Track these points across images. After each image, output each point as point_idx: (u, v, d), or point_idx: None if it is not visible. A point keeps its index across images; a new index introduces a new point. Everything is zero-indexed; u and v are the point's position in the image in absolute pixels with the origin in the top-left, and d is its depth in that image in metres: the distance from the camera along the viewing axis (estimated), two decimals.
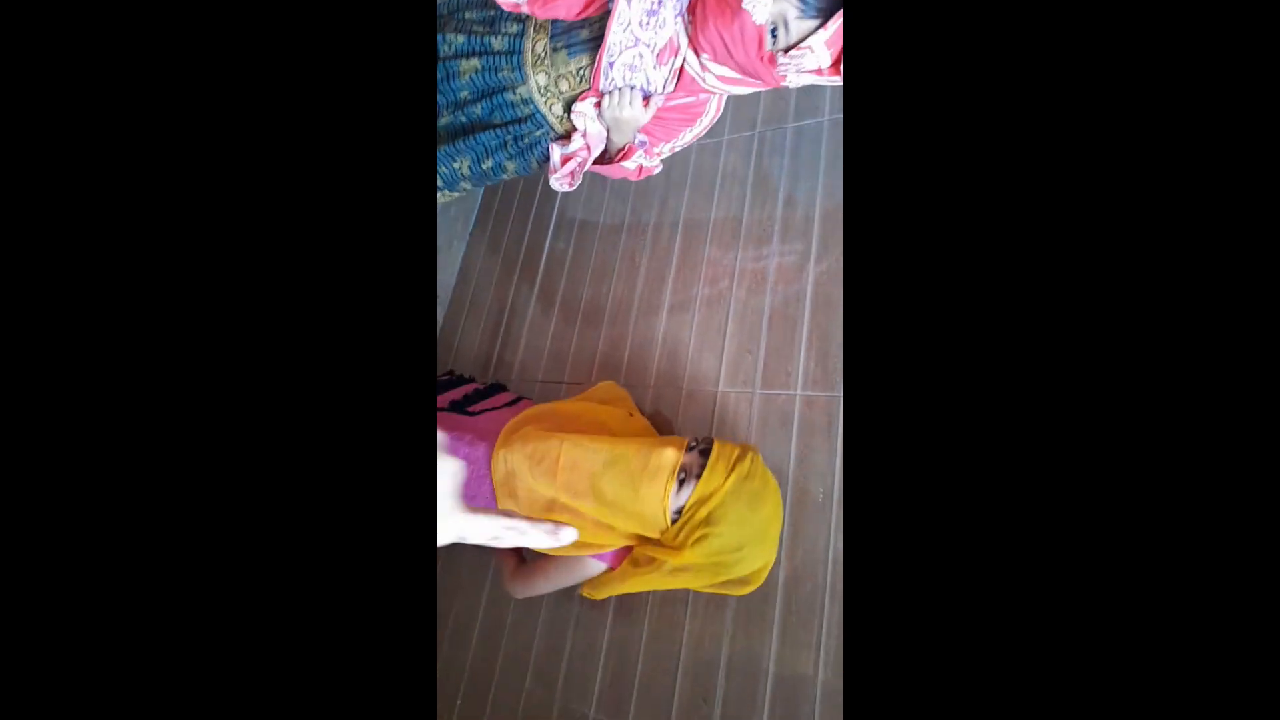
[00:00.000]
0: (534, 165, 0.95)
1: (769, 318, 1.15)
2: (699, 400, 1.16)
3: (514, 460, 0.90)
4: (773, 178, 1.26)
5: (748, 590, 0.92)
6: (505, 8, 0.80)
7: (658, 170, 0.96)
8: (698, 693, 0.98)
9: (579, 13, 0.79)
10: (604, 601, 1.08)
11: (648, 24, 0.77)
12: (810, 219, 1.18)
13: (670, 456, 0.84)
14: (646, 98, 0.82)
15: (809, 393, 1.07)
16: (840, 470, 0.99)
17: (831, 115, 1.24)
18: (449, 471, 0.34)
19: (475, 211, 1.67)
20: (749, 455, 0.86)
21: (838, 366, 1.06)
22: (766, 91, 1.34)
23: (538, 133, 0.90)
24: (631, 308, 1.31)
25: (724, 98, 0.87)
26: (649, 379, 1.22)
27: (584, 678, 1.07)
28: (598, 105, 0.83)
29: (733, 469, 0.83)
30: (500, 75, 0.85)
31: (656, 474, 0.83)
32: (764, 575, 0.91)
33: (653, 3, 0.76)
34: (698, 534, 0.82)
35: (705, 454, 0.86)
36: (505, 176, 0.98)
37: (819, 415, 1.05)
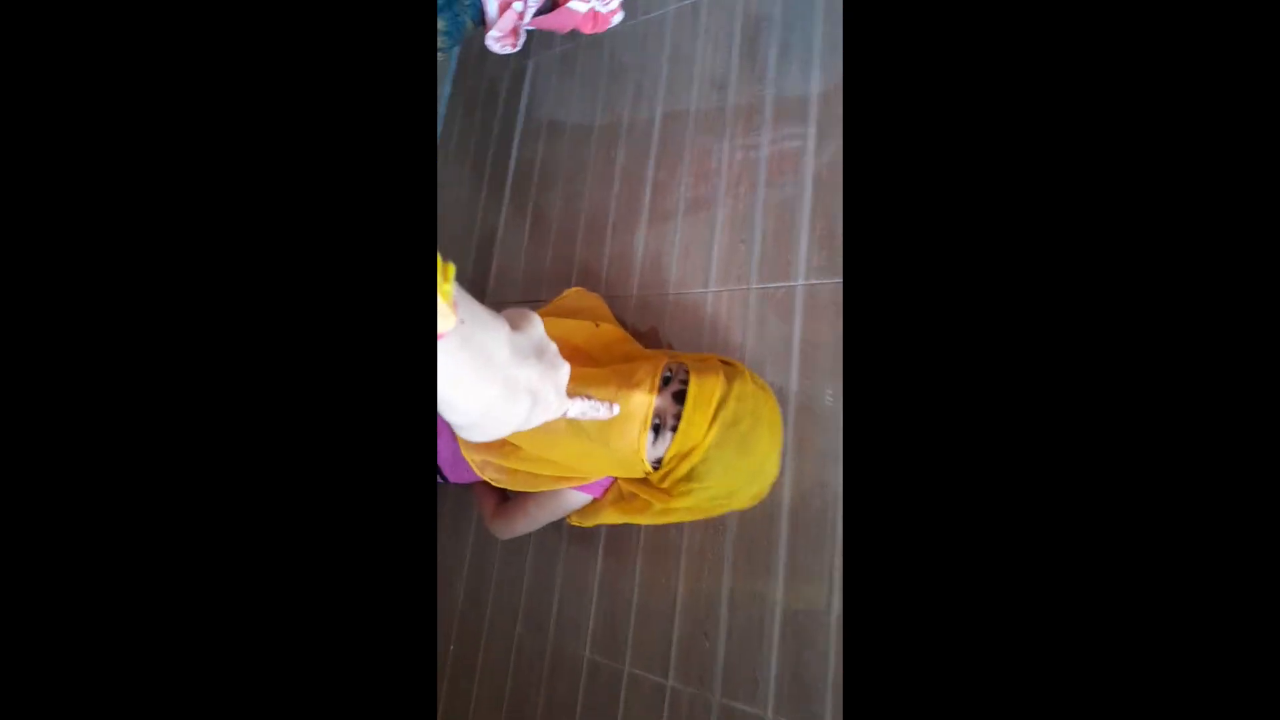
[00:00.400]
0: (468, 25, 0.83)
1: (763, 205, 0.97)
2: (687, 306, 1.00)
3: None
4: (761, 48, 1.04)
5: (750, 505, 0.80)
6: None
7: (617, 19, 0.80)
8: (698, 628, 0.86)
9: None
10: (592, 535, 0.96)
11: None
12: (807, 99, 0.97)
13: (639, 404, 0.69)
14: None
15: (814, 281, 0.90)
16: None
17: None
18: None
19: (439, 122, 1.50)
20: (733, 392, 0.71)
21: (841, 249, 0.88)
22: None
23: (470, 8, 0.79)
24: (609, 213, 1.14)
25: None
26: (631, 288, 1.06)
27: (576, 618, 0.97)
28: None
29: (714, 418, 0.69)
30: None
31: (626, 424, 0.69)
32: (766, 492, 0.79)
33: None
34: (682, 488, 0.72)
35: (681, 397, 0.71)
36: (439, 49, 0.82)
37: (825, 305, 0.88)
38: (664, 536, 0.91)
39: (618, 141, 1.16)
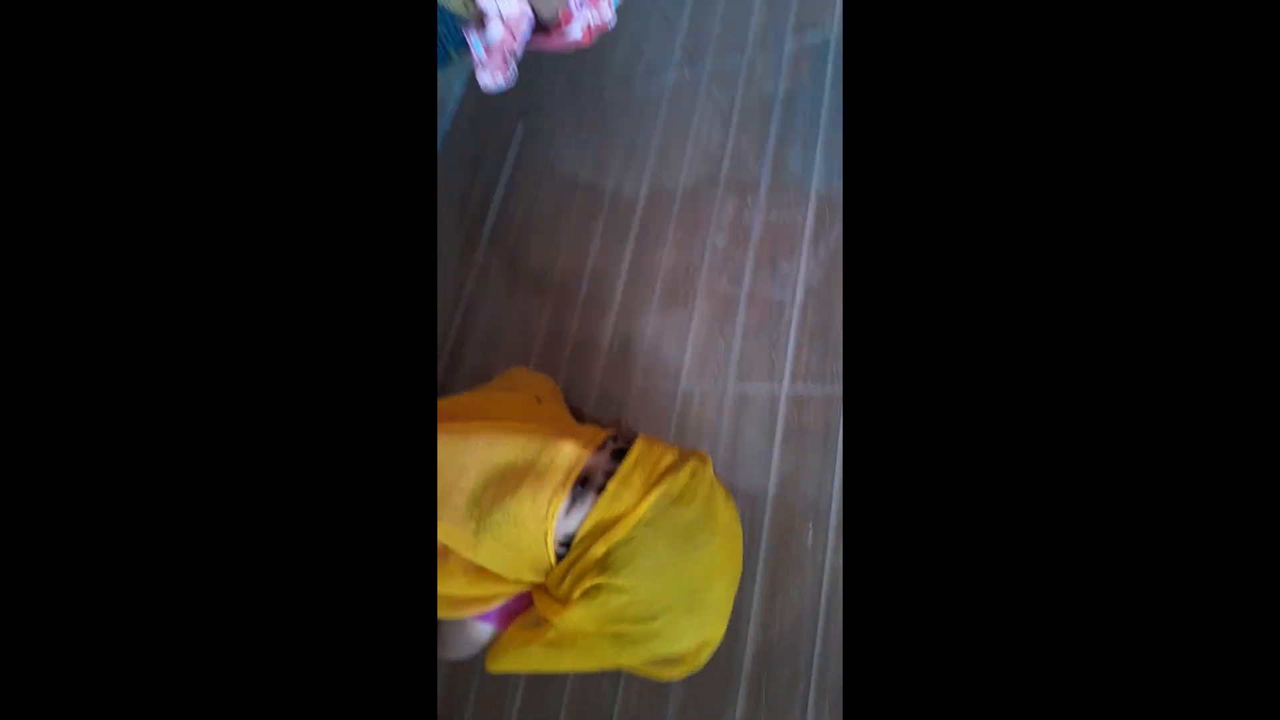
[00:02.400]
0: (451, 54, 0.76)
1: (747, 297, 0.85)
2: (654, 401, 0.87)
3: None
4: (756, 137, 0.96)
5: (678, 674, 0.59)
6: None
7: (612, 23, 0.77)
8: None
9: None
10: (507, 686, 0.78)
11: None
12: (806, 190, 0.88)
13: (567, 455, 0.55)
14: None
15: (799, 389, 0.77)
16: (840, 498, 0.68)
17: (840, 27, 0.94)
18: None
19: None
20: (688, 466, 0.55)
21: (839, 354, 0.75)
22: (758, 9, 1.06)
23: (441, 28, 0.71)
24: (581, 281, 1.03)
25: None
26: (594, 373, 0.94)
27: None
28: None
29: (655, 483, 0.52)
30: None
31: (542, 479, 0.54)
32: (704, 655, 0.58)
33: None
34: (588, 582, 0.52)
35: (621, 456, 0.55)
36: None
37: (812, 418, 0.74)
38: (595, 683, 0.73)
39: (600, 213, 1.07)
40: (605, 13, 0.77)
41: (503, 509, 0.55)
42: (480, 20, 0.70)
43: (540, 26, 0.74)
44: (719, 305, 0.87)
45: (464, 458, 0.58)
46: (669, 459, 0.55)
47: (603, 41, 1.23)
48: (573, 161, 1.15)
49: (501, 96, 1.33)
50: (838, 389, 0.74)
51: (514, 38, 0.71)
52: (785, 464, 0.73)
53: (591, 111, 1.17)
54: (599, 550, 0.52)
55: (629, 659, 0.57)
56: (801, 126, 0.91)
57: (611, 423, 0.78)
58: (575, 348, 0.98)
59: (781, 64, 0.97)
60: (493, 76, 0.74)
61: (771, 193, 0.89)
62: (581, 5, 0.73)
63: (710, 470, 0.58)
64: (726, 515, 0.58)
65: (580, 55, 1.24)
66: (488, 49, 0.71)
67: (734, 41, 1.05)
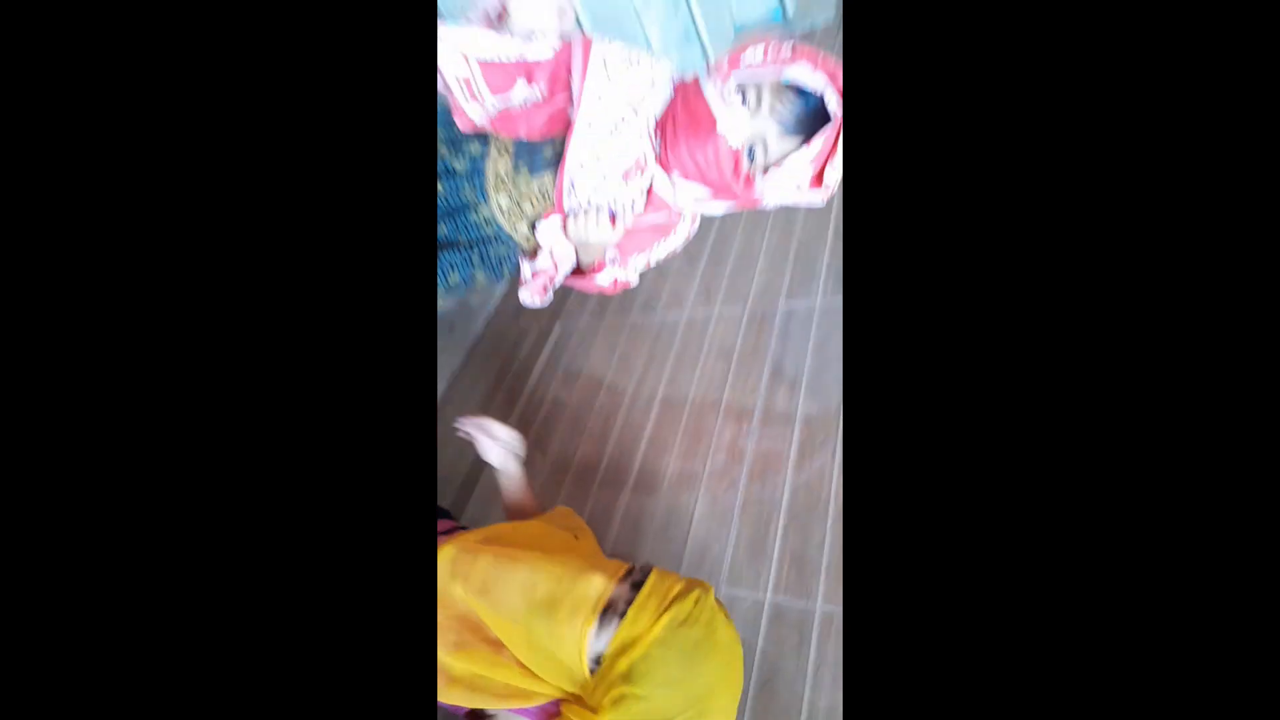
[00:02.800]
0: (505, 275, 0.92)
1: (741, 507, 1.03)
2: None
3: (442, 573, 0.77)
4: (760, 358, 1.22)
5: None
6: (463, 129, 0.78)
7: (633, 283, 0.91)
8: None
9: (541, 132, 0.77)
10: None
11: (611, 140, 0.73)
12: (792, 414, 1.11)
13: (597, 585, 0.66)
14: (613, 217, 0.77)
15: (780, 599, 0.91)
16: (809, 703, 0.80)
17: (823, 299, 1.23)
18: None
19: (466, 351, 1.66)
20: (693, 594, 0.66)
21: (815, 573, 0.91)
22: (762, 269, 1.36)
23: (502, 247, 0.87)
24: (597, 472, 1.20)
25: (695, 218, 0.84)
26: (605, 544, 1.08)
27: None
28: (564, 225, 0.79)
29: (666, 608, 0.63)
30: (463, 195, 0.83)
31: (577, 607, 0.65)
32: None
33: (615, 122, 0.72)
34: (615, 692, 0.62)
35: (638, 587, 0.67)
36: (477, 287, 0.94)
37: (788, 629, 0.88)
38: None
39: (618, 411, 1.28)
40: (631, 275, 0.91)
41: (547, 625, 0.67)
42: (534, 251, 0.85)
43: (577, 269, 0.88)
44: (717, 511, 1.04)
45: (519, 574, 0.72)
46: (678, 588, 0.67)
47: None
48: (600, 363, 1.39)
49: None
50: (813, 604, 0.89)
51: (556, 271, 0.85)
52: (765, 667, 0.86)
53: (620, 326, 1.43)
54: (623, 665, 0.63)
55: None
56: (790, 372, 1.15)
57: (631, 559, 0.90)
58: (590, 519, 1.13)
59: (775, 320, 1.25)
60: (532, 297, 0.88)
61: (762, 425, 1.11)
62: (614, 261, 0.86)
63: (711, 597, 0.70)
64: (726, 635, 0.69)
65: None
66: (534, 274, 0.85)
67: (739, 294, 1.34)
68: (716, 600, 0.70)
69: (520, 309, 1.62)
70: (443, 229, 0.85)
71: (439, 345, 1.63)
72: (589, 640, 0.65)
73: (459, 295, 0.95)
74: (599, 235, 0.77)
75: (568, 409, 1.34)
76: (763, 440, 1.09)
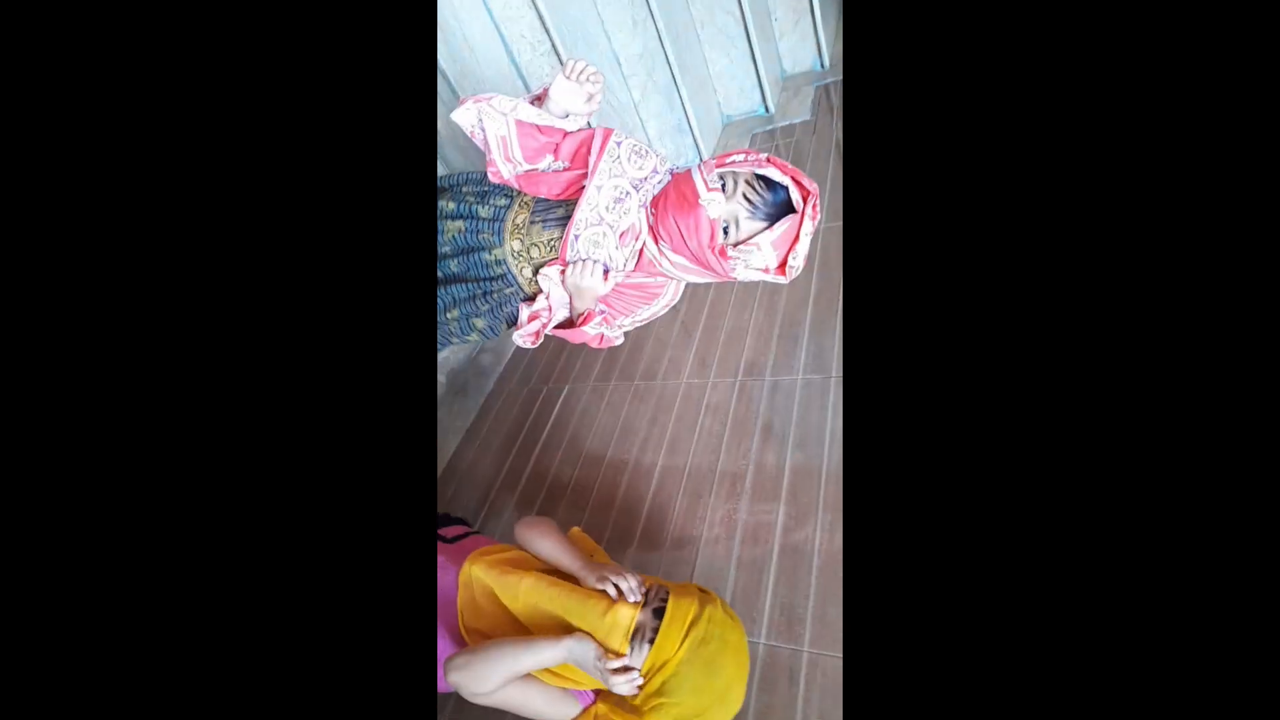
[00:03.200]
0: (501, 326, 1.03)
1: (736, 562, 1.18)
2: None
3: (487, 577, 0.91)
4: (747, 433, 1.38)
5: None
6: (495, 181, 0.94)
7: (619, 342, 1.03)
8: None
9: (560, 194, 0.94)
10: None
11: (614, 208, 0.87)
12: (780, 478, 1.26)
13: (625, 617, 0.80)
14: (606, 272, 0.90)
15: (773, 643, 1.05)
16: None
17: (804, 375, 1.41)
18: None
19: (478, 410, 1.79)
20: (705, 613, 0.80)
21: (803, 618, 1.06)
22: (750, 344, 1.54)
23: (508, 290, 0.98)
24: (605, 529, 1.34)
25: (682, 283, 0.96)
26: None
27: None
28: (563, 273, 0.92)
29: (687, 634, 0.77)
30: (480, 237, 0.97)
31: (610, 635, 0.80)
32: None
33: (620, 192, 0.88)
34: (653, 703, 0.77)
35: (660, 613, 0.81)
36: (471, 337, 1.04)
37: (780, 669, 1.02)
38: None
39: (624, 471, 1.42)
40: (617, 335, 1.02)
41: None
42: (534, 296, 0.96)
43: (568, 321, 0.98)
44: (714, 566, 1.18)
45: (558, 601, 0.86)
46: (693, 612, 0.80)
47: (637, 341, 1.71)
48: (606, 425, 1.54)
49: (555, 362, 1.76)
50: (803, 647, 1.03)
51: (550, 315, 0.96)
52: (760, 705, 0.99)
53: (624, 390, 1.59)
54: (657, 682, 0.77)
55: None
56: (775, 441, 1.32)
57: (650, 583, 0.94)
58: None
59: (762, 393, 1.42)
60: (523, 340, 0.99)
61: (752, 490, 1.27)
62: (602, 315, 0.98)
63: (719, 609, 0.83)
64: (735, 636, 0.82)
65: (618, 349, 1.70)
66: (531, 317, 0.97)
67: (730, 366, 1.52)
68: (724, 607, 0.84)
69: (529, 372, 1.77)
70: (454, 264, 0.99)
71: (451, 408, 1.76)
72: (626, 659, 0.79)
73: (453, 340, 1.04)
74: (591, 284, 0.90)
75: (576, 468, 1.48)
76: (753, 512, 1.24)
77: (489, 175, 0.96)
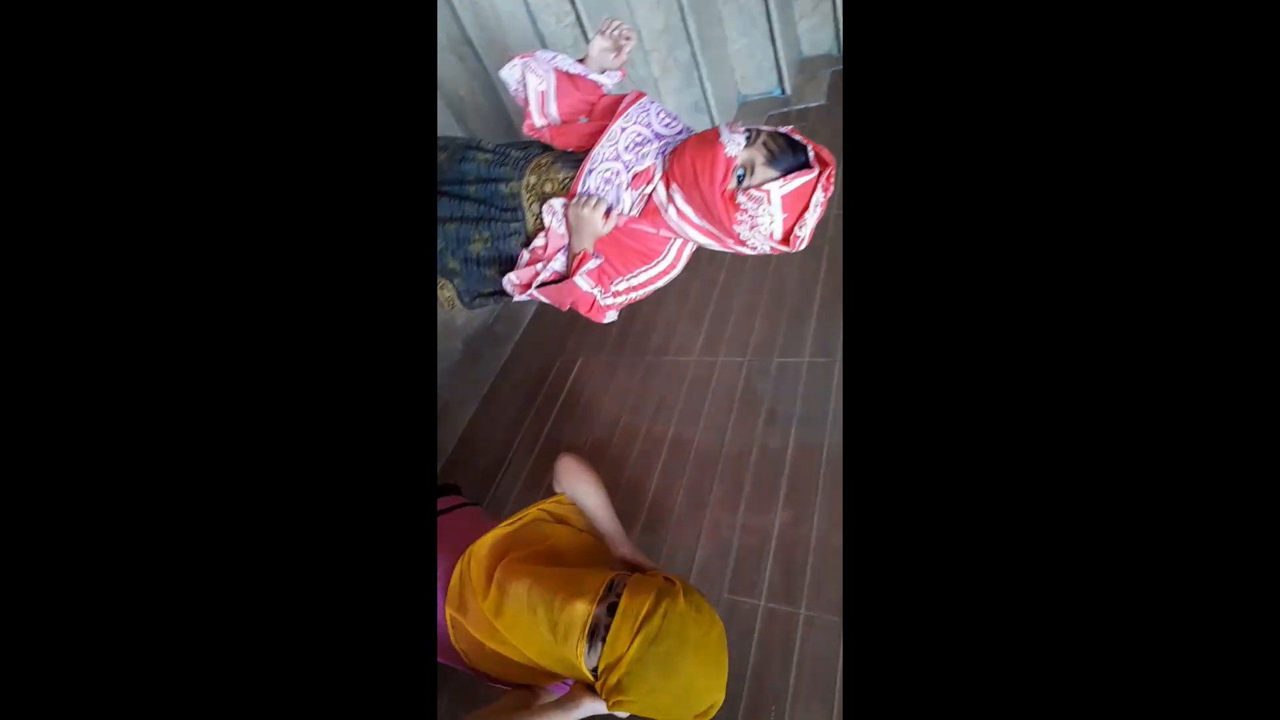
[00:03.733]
0: (490, 270, 1.05)
1: (740, 530, 1.26)
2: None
3: (477, 576, 0.88)
4: (753, 410, 1.45)
5: None
6: (528, 134, 0.99)
7: (610, 317, 1.00)
8: None
9: (587, 145, 0.96)
10: None
11: (633, 149, 0.90)
12: (783, 458, 1.34)
13: (579, 614, 0.76)
14: (609, 211, 0.90)
15: (772, 605, 1.14)
16: (794, 695, 1.03)
17: (810, 359, 1.48)
18: None
19: (493, 378, 1.85)
20: (661, 608, 0.74)
21: (802, 584, 1.15)
22: (759, 326, 1.60)
23: (513, 225, 1.00)
24: (617, 489, 1.41)
25: (684, 250, 0.95)
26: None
27: None
28: (567, 206, 0.92)
29: (638, 631, 0.72)
30: (503, 169, 1.01)
31: (568, 633, 0.76)
32: (712, 713, 0.78)
33: (641, 138, 0.90)
34: (614, 699, 0.74)
35: (615, 609, 0.76)
36: (471, 250, 1.04)
37: (777, 630, 1.11)
38: None
39: (633, 447, 1.49)
40: (609, 307, 0.96)
41: (553, 643, 0.78)
42: (538, 233, 0.96)
43: (561, 277, 0.98)
44: (718, 538, 1.26)
45: (530, 595, 0.81)
46: (646, 607, 0.74)
47: (649, 317, 1.76)
48: (617, 400, 1.61)
49: (569, 335, 1.82)
50: (800, 609, 1.12)
51: (544, 264, 0.97)
52: (757, 662, 1.08)
53: (636, 365, 1.65)
54: (613, 679, 0.73)
55: None
56: (780, 421, 1.39)
57: (619, 569, 0.89)
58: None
59: (769, 373, 1.49)
60: (513, 290, 1.01)
61: (755, 469, 1.34)
62: (595, 273, 0.94)
63: (679, 604, 0.76)
64: (696, 633, 0.75)
65: (631, 324, 1.76)
66: (530, 255, 0.98)
67: (738, 346, 1.58)
68: (687, 597, 0.77)
69: (544, 344, 1.83)
70: (474, 189, 1.03)
71: (466, 375, 1.82)
72: (583, 659, 0.76)
73: (454, 256, 1.04)
74: (592, 220, 0.89)
75: (588, 440, 1.55)
76: (758, 475, 1.32)
77: (524, 129, 1.00)
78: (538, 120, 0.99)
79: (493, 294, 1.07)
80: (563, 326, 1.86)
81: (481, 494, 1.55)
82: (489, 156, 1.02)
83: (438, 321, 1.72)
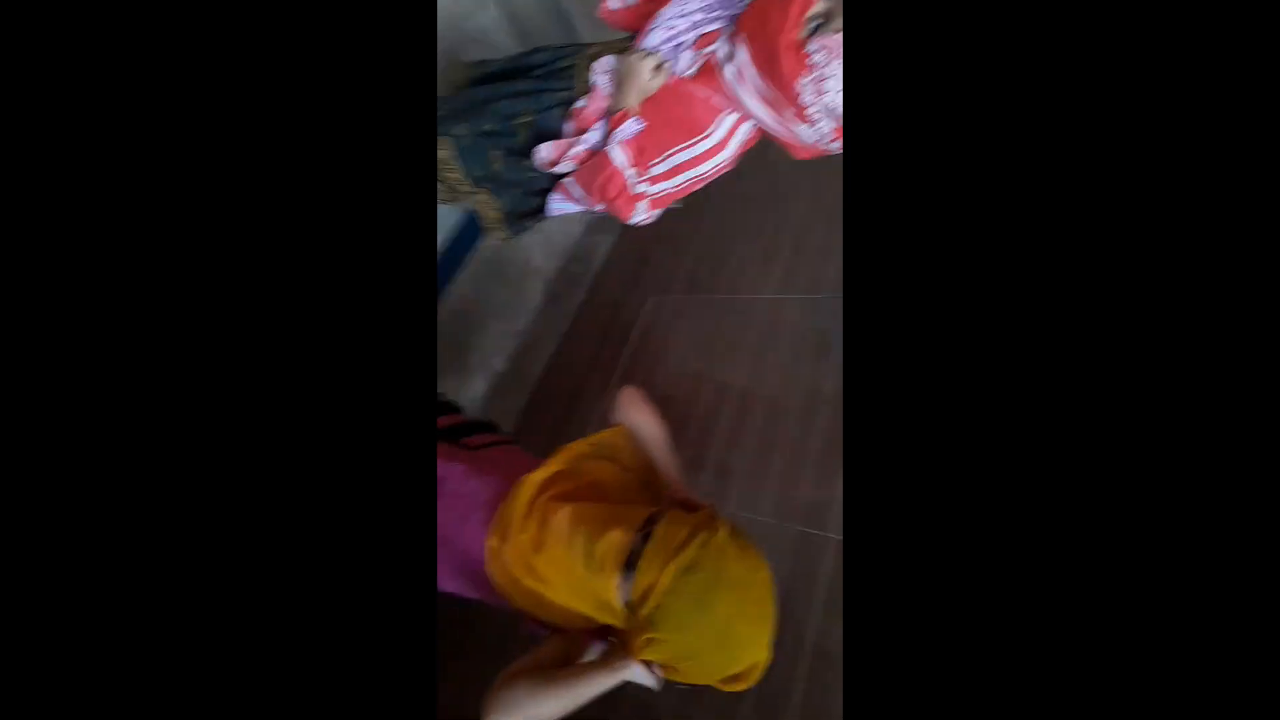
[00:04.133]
0: (547, 126, 0.99)
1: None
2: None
3: (519, 509, 0.82)
4: (821, 353, 1.43)
5: (739, 688, 0.73)
6: (604, 18, 0.95)
7: (639, 217, 0.96)
8: None
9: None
10: None
11: (705, 8, 0.85)
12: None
13: (615, 542, 0.71)
14: (659, 66, 0.86)
15: (803, 529, 1.18)
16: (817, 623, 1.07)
17: None
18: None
19: (570, 319, 1.95)
20: (698, 539, 0.69)
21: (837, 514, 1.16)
22: (835, 262, 1.54)
23: (561, 93, 0.96)
24: (686, 429, 1.48)
25: (737, 130, 0.88)
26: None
27: None
28: (617, 62, 0.89)
29: (671, 558, 0.67)
30: (571, 48, 1.00)
31: (604, 563, 0.72)
32: (757, 674, 0.72)
33: (714, 5, 0.85)
34: (644, 636, 0.69)
35: (650, 538, 0.71)
36: (517, 139, 1.02)
37: (802, 556, 1.15)
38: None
39: (702, 390, 1.54)
40: (643, 197, 0.91)
41: (590, 578, 0.74)
42: (585, 93, 0.92)
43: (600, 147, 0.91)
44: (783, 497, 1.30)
45: (569, 531, 0.77)
46: (683, 535, 0.69)
47: (717, 256, 1.76)
48: (687, 341, 1.65)
49: (641, 274, 1.87)
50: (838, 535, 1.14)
51: (569, 146, 0.92)
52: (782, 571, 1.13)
53: (706, 304, 1.68)
54: (645, 612, 0.68)
55: (698, 680, 0.73)
56: (834, 359, 1.37)
57: (667, 496, 0.87)
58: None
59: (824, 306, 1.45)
60: (548, 155, 0.95)
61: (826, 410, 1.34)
62: (636, 126, 0.88)
63: (720, 536, 0.70)
64: (737, 571, 0.69)
65: (701, 261, 1.77)
66: (575, 116, 0.93)
67: (807, 285, 1.54)
68: (730, 534, 0.71)
69: (625, 283, 1.89)
70: (538, 56, 1.01)
71: (547, 315, 1.93)
72: (617, 592, 0.71)
73: (506, 120, 0.99)
74: (640, 72, 0.85)
75: (660, 381, 1.62)
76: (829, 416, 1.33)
77: (600, 14, 0.96)
78: (614, 5, 0.94)
79: (533, 213, 1.06)
80: (633, 265, 1.91)
81: (556, 436, 1.68)
82: (562, 49, 1.00)
83: (516, 265, 1.84)
